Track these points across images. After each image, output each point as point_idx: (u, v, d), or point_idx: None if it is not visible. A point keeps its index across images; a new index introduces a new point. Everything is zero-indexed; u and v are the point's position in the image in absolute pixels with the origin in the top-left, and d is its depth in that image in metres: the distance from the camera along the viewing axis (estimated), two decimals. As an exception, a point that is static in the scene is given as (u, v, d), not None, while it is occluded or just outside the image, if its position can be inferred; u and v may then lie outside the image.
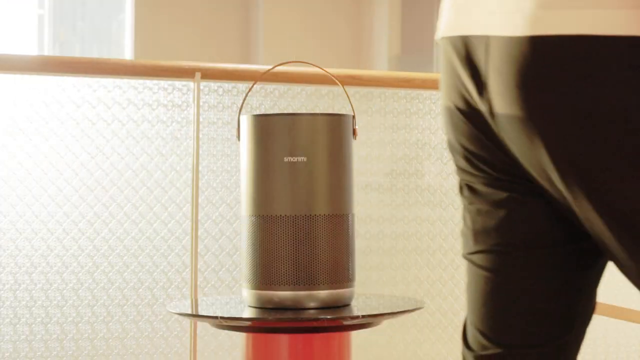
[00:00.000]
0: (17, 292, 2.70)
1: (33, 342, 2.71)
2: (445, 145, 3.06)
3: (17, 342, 2.70)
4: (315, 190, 2.11)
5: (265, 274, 2.11)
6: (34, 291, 2.72)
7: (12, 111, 2.71)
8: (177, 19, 7.96)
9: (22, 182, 2.71)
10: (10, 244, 2.70)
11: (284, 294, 2.10)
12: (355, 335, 2.97)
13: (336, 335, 2.14)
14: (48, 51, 7.85)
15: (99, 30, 8.09)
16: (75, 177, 2.75)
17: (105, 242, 2.76)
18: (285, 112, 2.80)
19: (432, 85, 3.02)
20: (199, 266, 2.82)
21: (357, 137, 2.19)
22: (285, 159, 2.11)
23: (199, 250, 2.82)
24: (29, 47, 7.65)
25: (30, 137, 2.72)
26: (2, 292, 2.70)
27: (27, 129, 2.72)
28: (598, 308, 2.47)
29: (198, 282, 2.82)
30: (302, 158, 2.11)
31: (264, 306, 2.12)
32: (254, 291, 2.13)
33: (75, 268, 2.74)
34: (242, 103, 2.26)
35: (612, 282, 3.05)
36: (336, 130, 2.14)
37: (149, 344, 2.79)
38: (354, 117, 2.19)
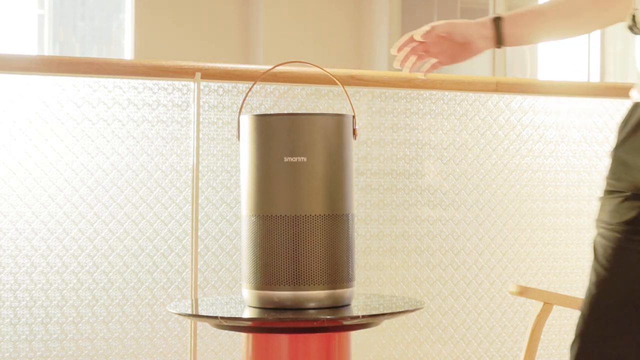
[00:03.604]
0: (17, 292, 2.70)
1: (33, 342, 2.71)
2: (445, 145, 3.06)
3: (17, 342, 2.70)
4: (315, 190, 2.11)
5: (265, 274, 2.11)
6: (34, 291, 2.71)
7: (12, 111, 2.71)
8: (177, 19, 7.96)
9: (22, 182, 2.71)
10: (10, 244, 2.70)
11: (284, 294, 2.10)
12: (355, 335, 2.97)
13: (336, 335, 2.14)
14: (48, 51, 7.85)
15: (99, 30, 8.10)
16: (75, 177, 2.75)
17: (105, 242, 2.76)
18: (285, 112, 2.80)
19: (432, 85, 3.02)
20: (199, 266, 2.82)
21: (357, 137, 2.19)
22: (285, 159, 2.11)
23: (199, 250, 2.82)
24: (29, 47, 7.65)
25: (30, 137, 2.72)
26: (2, 292, 2.70)
27: (27, 129, 2.72)
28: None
29: (198, 282, 2.82)
30: (302, 158, 2.11)
31: (264, 306, 2.12)
32: (254, 291, 2.13)
33: (75, 268, 2.74)
34: (242, 103, 2.26)
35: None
36: (336, 130, 2.14)
37: (149, 344, 2.79)
38: (354, 117, 2.19)
